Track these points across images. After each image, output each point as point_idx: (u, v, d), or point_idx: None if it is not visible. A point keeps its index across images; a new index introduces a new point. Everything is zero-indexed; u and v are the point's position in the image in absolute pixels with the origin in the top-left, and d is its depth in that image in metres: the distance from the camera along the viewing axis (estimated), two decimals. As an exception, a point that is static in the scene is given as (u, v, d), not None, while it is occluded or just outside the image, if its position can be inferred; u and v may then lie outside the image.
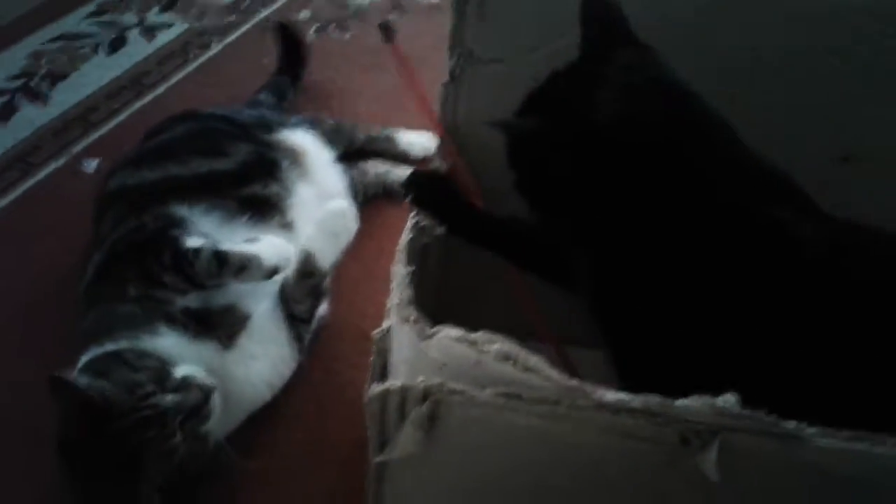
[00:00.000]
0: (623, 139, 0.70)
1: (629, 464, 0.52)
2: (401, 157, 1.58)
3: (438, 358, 0.54)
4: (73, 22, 2.03)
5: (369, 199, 1.51)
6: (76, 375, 1.01)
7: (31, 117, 1.74)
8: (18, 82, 1.84)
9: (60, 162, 1.62)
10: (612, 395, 0.50)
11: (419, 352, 0.55)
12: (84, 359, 1.04)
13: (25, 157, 1.64)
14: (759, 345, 0.63)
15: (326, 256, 1.22)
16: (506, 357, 0.52)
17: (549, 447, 0.53)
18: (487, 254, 0.87)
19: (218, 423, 1.04)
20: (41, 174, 1.60)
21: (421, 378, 0.52)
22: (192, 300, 1.11)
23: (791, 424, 0.48)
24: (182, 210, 1.18)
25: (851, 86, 0.90)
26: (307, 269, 1.20)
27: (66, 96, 1.79)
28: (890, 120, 0.90)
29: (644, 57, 0.76)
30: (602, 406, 0.50)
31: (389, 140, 1.60)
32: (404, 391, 0.53)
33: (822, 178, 0.85)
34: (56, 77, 1.85)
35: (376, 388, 0.54)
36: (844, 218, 0.73)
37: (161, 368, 1.00)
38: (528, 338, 0.56)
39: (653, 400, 0.49)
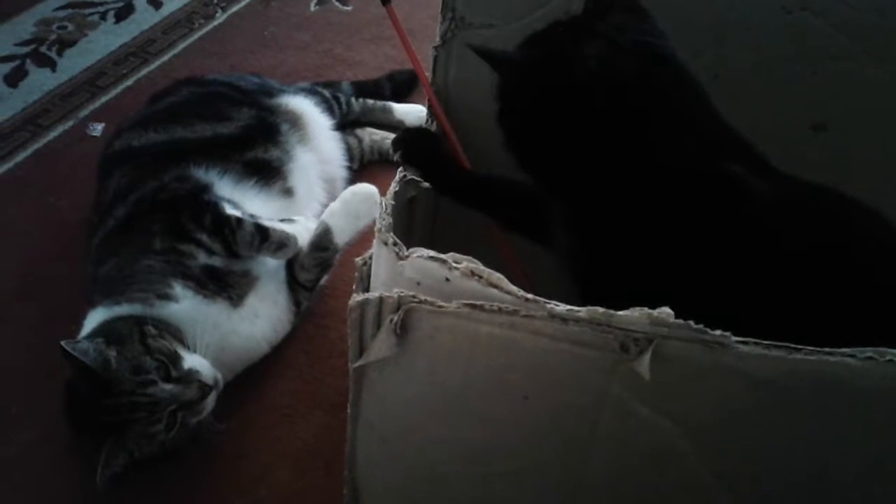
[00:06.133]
0: (596, 93, 0.76)
1: (576, 368, 0.59)
2: (396, 128, 1.64)
3: (413, 277, 0.61)
4: (82, -10, 2.09)
5: (365, 166, 1.58)
6: (90, 335, 1.06)
7: (40, 82, 1.80)
8: (28, 48, 1.90)
9: (68, 125, 1.68)
10: (562, 307, 0.57)
11: (396, 272, 0.61)
12: (101, 314, 1.11)
13: (35, 119, 1.70)
14: (713, 275, 0.70)
15: (344, 234, 1.28)
16: (472, 273, 0.58)
17: (507, 353, 0.60)
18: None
19: (220, 372, 1.11)
20: (50, 136, 1.66)
21: (396, 290, 0.59)
22: (216, 260, 1.18)
23: (717, 332, 0.55)
24: (200, 173, 1.24)
25: (825, 51, 0.95)
26: (323, 243, 1.26)
27: (73, 62, 1.85)
28: (861, 89, 0.96)
29: (637, 20, 0.81)
30: (554, 316, 0.57)
31: (386, 110, 1.66)
32: (381, 301, 0.60)
33: (795, 145, 0.91)
34: (64, 44, 1.91)
35: (356, 298, 0.61)
36: (794, 176, 0.79)
37: (173, 354, 1.06)
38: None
39: (597, 311, 0.56)
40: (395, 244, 0.62)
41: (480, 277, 0.58)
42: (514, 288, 0.58)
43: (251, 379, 1.21)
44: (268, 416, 1.18)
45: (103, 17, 2.00)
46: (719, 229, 0.72)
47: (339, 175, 1.49)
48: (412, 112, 1.65)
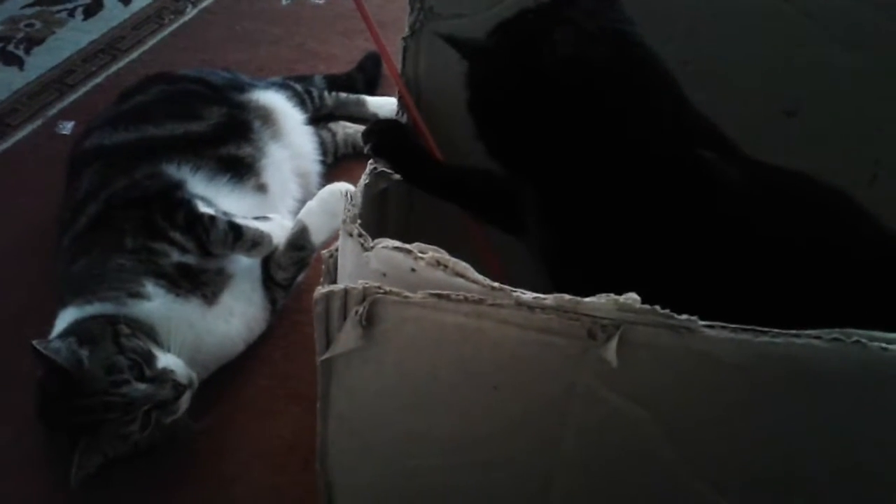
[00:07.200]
0: (566, 80, 0.75)
1: (544, 356, 0.59)
2: (370, 121, 1.63)
3: (379, 268, 0.60)
4: (50, -13, 2.07)
5: (339, 160, 1.57)
6: (61, 335, 1.05)
7: (8, 81, 1.77)
8: (-5, 47, 1.87)
9: (37, 123, 1.66)
10: (529, 295, 0.57)
11: (361, 263, 0.61)
12: (72, 313, 1.09)
13: (3, 118, 1.67)
14: (685, 261, 0.69)
15: (321, 233, 1.26)
16: (437, 263, 0.58)
17: (474, 342, 0.60)
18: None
19: (194, 371, 1.10)
20: (19, 135, 1.64)
21: (361, 282, 0.59)
22: (189, 258, 1.16)
23: (683, 317, 0.55)
24: (172, 170, 1.23)
25: (796, 37, 0.95)
26: (300, 242, 1.25)
27: (42, 60, 1.83)
28: (832, 75, 0.96)
29: (606, 7, 0.80)
30: (520, 304, 0.57)
31: (359, 104, 1.65)
32: (346, 293, 0.59)
33: (767, 131, 0.91)
34: (32, 41, 1.88)
35: (321, 291, 0.60)
36: (765, 162, 0.79)
37: (146, 353, 1.05)
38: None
39: (564, 298, 0.56)
40: (360, 235, 0.61)
41: (446, 267, 0.58)
42: (479, 277, 0.58)
43: (227, 377, 1.20)
44: (244, 414, 1.17)
45: (71, 14, 1.97)
46: (691, 215, 0.72)
47: (313, 169, 1.48)
48: (386, 105, 1.64)
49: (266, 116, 1.42)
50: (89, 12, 1.97)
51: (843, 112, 0.97)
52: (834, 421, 0.58)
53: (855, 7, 0.93)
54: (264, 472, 1.10)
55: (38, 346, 0.98)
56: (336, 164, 1.55)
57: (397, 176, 0.88)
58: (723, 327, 0.55)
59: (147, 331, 1.09)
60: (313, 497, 0.83)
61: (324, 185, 1.36)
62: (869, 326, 0.56)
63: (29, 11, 1.98)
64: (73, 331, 1.05)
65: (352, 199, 0.67)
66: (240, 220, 1.19)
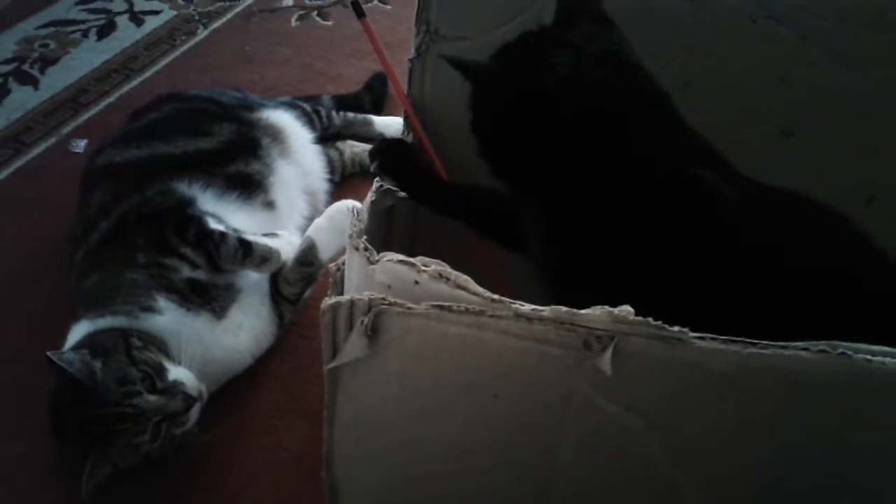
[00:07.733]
0: (566, 101, 0.77)
1: (542, 366, 0.61)
2: (377, 140, 1.66)
3: (384, 280, 0.63)
4: (64, 9, 2.11)
5: (346, 178, 1.59)
6: (74, 348, 1.07)
7: (23, 99, 1.81)
8: (10, 66, 1.91)
9: (51, 141, 1.70)
10: (527, 307, 0.59)
11: (367, 276, 0.63)
12: (85, 326, 1.12)
13: (18, 136, 1.71)
14: (684, 278, 0.71)
15: (329, 250, 1.29)
16: (440, 276, 0.60)
17: (475, 352, 0.62)
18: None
19: (204, 384, 1.12)
20: (33, 153, 1.67)
21: (367, 293, 0.61)
22: (200, 274, 1.19)
23: (675, 328, 0.57)
24: (183, 187, 1.26)
25: (793, 58, 0.97)
26: (308, 258, 1.28)
27: (56, 80, 1.87)
28: (828, 95, 0.98)
29: (605, 31, 0.83)
30: (519, 315, 0.59)
31: (366, 123, 1.68)
32: (352, 304, 0.62)
33: (765, 151, 0.93)
34: (47, 61, 1.93)
35: (328, 302, 0.63)
36: (761, 181, 0.81)
37: (158, 366, 1.07)
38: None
39: (561, 310, 0.58)
40: (365, 249, 0.64)
41: (448, 280, 0.60)
42: (480, 289, 0.60)
43: (235, 390, 1.22)
44: (252, 427, 1.19)
45: (85, 34, 2.02)
46: (688, 233, 0.74)
47: (321, 188, 1.51)
48: (392, 125, 1.67)
49: (275, 135, 1.45)
50: (103, 33, 2.02)
51: (841, 133, 0.99)
52: (821, 430, 0.60)
53: (852, 28, 0.95)
54: (271, 485, 1.11)
55: (52, 357, 1.00)
56: (343, 182, 1.58)
57: (403, 194, 0.90)
58: (713, 338, 0.57)
59: (158, 344, 1.11)
60: (319, 509, 0.85)
61: (331, 203, 1.38)
62: (862, 342, 0.57)
63: (44, 32, 2.02)
64: (86, 343, 1.08)
65: (358, 215, 0.69)
66: (249, 237, 1.22)
